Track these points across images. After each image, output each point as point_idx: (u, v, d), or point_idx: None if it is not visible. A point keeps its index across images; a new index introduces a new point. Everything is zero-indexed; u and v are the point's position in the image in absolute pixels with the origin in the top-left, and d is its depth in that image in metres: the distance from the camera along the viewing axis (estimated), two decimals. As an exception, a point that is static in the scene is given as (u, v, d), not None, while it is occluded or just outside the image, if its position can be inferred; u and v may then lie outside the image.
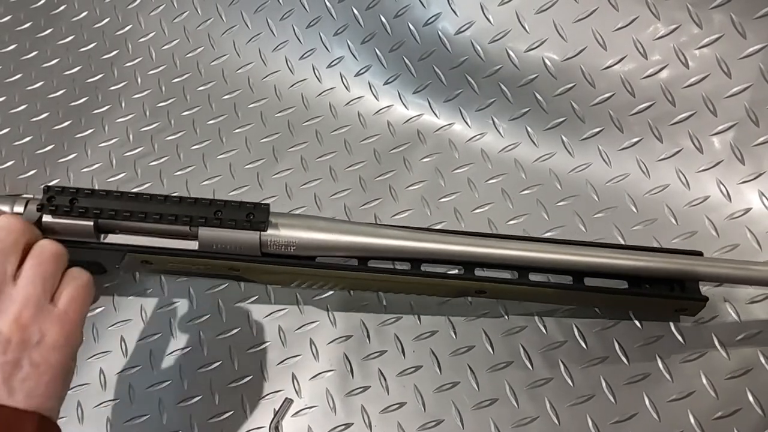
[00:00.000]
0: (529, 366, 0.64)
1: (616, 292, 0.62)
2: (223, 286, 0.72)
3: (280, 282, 0.66)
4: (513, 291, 0.63)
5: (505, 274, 0.63)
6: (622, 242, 0.68)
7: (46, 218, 0.59)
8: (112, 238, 0.61)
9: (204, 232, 0.59)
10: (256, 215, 0.59)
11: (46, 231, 0.58)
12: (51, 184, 0.59)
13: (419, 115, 0.79)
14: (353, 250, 0.61)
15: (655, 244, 0.67)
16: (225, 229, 0.59)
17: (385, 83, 0.81)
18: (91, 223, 0.59)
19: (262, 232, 0.60)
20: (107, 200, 0.59)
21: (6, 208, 0.60)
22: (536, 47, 0.74)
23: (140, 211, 0.59)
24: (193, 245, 0.60)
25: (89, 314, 0.72)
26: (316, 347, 0.68)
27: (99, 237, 0.61)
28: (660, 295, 0.61)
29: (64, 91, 0.91)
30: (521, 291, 0.62)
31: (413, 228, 0.63)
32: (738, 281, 0.61)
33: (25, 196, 0.61)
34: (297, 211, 0.75)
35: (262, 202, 0.60)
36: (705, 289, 0.62)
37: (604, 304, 0.65)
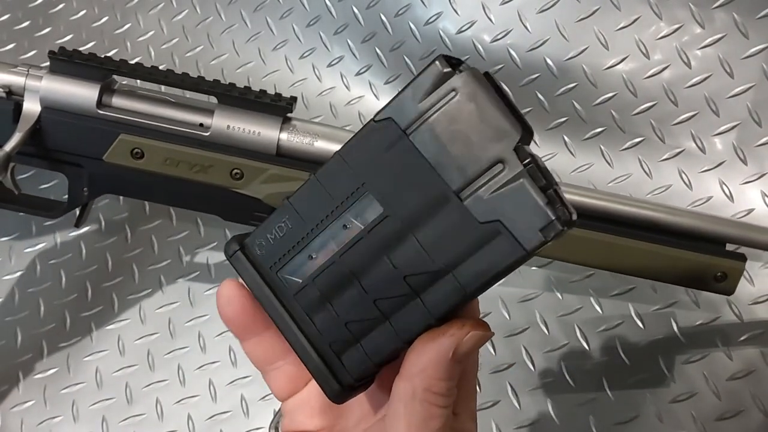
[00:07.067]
0: (531, 367, 0.64)
1: (661, 241, 0.55)
2: (221, 286, 0.72)
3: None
4: None
5: None
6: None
7: (47, 81, 0.54)
8: (112, 111, 0.55)
9: (220, 111, 0.54)
10: (283, 98, 0.55)
11: (44, 97, 0.53)
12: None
13: (420, 114, 0.78)
14: None
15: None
16: (245, 111, 0.53)
17: (386, 83, 0.80)
18: (98, 88, 0.54)
19: (285, 119, 0.54)
20: (125, 64, 0.54)
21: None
22: (538, 47, 0.74)
23: (160, 73, 0.54)
24: (203, 134, 0.55)
25: (87, 313, 0.73)
26: (315, 347, 0.68)
27: (99, 109, 0.54)
28: (705, 251, 0.56)
29: (62, 89, 0.90)
30: None
31: None
32: None
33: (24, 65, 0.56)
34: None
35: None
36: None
37: (639, 265, 0.56)
